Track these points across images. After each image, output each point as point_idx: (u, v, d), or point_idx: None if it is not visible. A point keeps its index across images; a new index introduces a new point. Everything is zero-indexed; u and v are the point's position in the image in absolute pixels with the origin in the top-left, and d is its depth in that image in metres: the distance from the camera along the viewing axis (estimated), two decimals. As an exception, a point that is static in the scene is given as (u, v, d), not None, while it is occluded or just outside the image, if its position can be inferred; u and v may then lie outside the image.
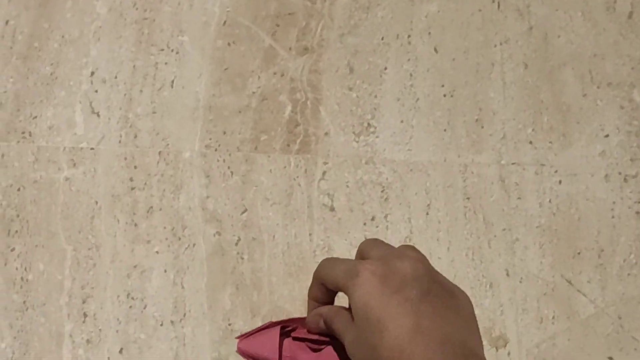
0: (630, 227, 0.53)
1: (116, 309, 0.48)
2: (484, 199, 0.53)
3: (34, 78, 0.51)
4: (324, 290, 0.42)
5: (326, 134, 0.53)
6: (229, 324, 0.48)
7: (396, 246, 0.40)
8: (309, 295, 0.43)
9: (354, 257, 0.42)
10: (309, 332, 0.43)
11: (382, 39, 0.55)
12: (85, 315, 0.47)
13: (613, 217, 0.53)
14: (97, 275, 0.48)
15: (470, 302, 0.38)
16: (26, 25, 0.51)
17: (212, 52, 0.53)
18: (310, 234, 0.51)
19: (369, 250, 0.40)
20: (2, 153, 0.49)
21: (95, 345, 0.47)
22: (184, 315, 0.48)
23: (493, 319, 0.50)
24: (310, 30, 0.54)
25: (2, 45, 0.51)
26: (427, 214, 0.52)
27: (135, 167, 0.50)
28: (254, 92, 0.53)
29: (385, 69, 0.54)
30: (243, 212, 0.50)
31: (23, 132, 0.50)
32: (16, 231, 0.48)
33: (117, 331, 0.47)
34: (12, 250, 0.48)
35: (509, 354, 0.50)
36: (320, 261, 0.42)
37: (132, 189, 0.50)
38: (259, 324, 0.45)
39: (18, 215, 0.48)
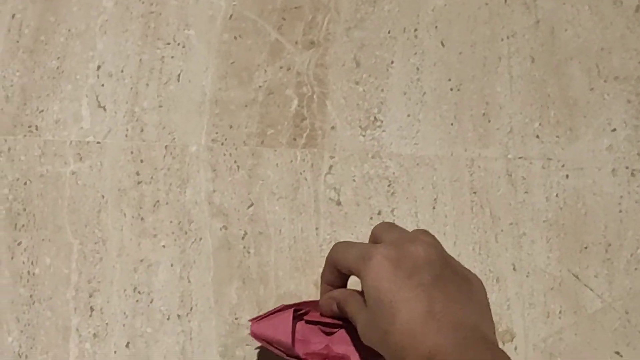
0: (637, 222, 0.53)
1: (123, 302, 0.48)
2: (491, 193, 0.53)
3: (41, 72, 0.51)
4: (336, 274, 0.42)
5: (332, 128, 0.53)
6: (236, 318, 0.48)
7: (410, 230, 0.40)
8: (321, 279, 0.43)
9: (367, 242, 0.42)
10: (321, 315, 0.43)
11: (389, 32, 0.55)
12: (91, 309, 0.47)
13: (620, 211, 0.53)
14: (104, 269, 0.48)
15: (483, 287, 0.38)
16: (32, 19, 0.51)
17: (219, 46, 0.53)
18: (316, 228, 0.51)
19: (383, 234, 0.40)
20: (8, 147, 0.49)
21: (101, 339, 0.47)
22: (191, 309, 0.48)
23: (500, 314, 0.50)
24: (316, 24, 0.54)
25: (9, 39, 0.51)
26: (434, 208, 0.52)
27: (141, 161, 0.50)
28: (260, 86, 0.53)
29: (392, 62, 0.54)
30: (249, 206, 0.50)
31: (29, 126, 0.50)
32: (23, 225, 0.48)
33: (123, 325, 0.47)
34: (19, 244, 0.48)
35: (515, 348, 0.50)
36: (332, 246, 0.42)
37: (139, 183, 0.50)
38: (266, 317, 0.44)
39: (24, 209, 0.48)
